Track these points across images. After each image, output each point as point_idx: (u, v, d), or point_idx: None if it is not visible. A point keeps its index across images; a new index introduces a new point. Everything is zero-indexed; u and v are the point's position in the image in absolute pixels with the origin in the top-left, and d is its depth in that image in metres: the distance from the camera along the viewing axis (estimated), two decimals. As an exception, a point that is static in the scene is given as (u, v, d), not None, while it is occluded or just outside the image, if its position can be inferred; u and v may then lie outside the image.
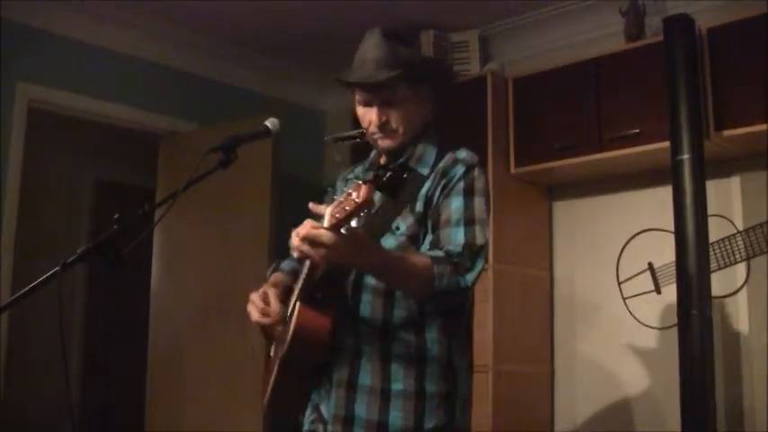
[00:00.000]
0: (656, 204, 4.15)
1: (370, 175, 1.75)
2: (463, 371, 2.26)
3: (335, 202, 1.85)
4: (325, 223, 1.86)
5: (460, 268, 2.09)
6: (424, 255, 2.08)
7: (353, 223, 1.83)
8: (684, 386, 3.38)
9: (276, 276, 2.42)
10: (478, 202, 2.21)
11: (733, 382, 3.82)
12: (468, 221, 2.16)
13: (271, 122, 2.39)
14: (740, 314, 3.89)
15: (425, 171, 2.27)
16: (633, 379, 4.18)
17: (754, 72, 3.57)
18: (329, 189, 2.61)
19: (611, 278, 4.35)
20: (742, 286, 3.89)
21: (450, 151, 2.31)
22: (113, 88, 4.92)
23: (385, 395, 2.15)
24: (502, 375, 4.11)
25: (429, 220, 2.20)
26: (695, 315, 3.38)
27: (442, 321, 2.21)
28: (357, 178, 2.45)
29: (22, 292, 1.97)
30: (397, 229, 2.20)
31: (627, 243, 4.32)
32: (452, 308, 2.21)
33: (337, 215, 1.82)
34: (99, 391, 6.25)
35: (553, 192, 4.71)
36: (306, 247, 1.87)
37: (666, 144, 3.63)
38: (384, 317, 2.19)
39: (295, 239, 1.91)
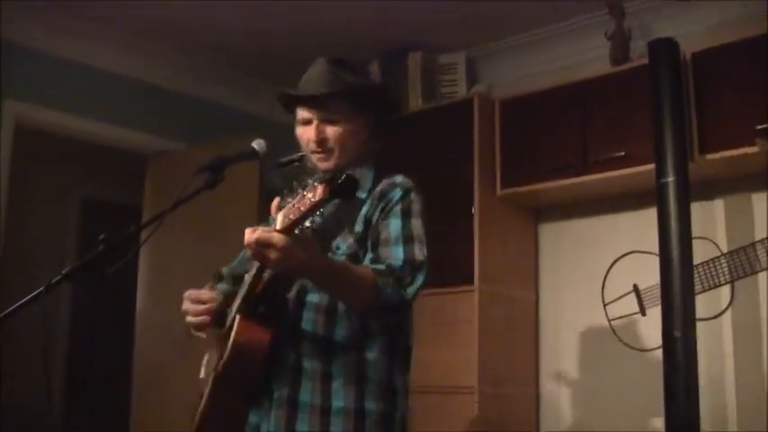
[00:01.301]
0: (641, 226, 4.16)
1: (322, 177, 1.78)
2: (402, 391, 2.30)
3: (288, 205, 1.86)
4: (278, 225, 1.87)
5: (402, 281, 2.14)
6: (367, 267, 2.14)
7: (308, 224, 1.84)
8: (669, 408, 3.38)
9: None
10: (416, 222, 2.27)
11: (718, 404, 3.83)
12: (407, 239, 2.21)
13: (257, 144, 2.41)
14: (724, 336, 3.90)
15: (363, 195, 2.32)
16: (618, 401, 4.18)
17: (737, 96, 3.61)
18: (261, 222, 2.68)
19: (596, 300, 4.36)
20: (726, 308, 3.91)
21: (387, 176, 2.36)
22: (101, 107, 4.92)
23: (325, 412, 2.17)
24: (487, 397, 4.10)
25: (369, 240, 2.25)
26: (679, 337, 3.39)
27: (384, 341, 2.26)
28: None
29: (6, 312, 1.97)
30: (338, 248, 2.24)
31: (612, 265, 4.33)
32: (393, 321, 2.26)
33: (291, 216, 1.83)
34: (83, 410, 6.23)
35: (539, 214, 4.72)
36: (257, 250, 1.89)
37: (651, 167, 3.65)
38: (326, 334, 2.21)
39: (248, 241, 1.92)
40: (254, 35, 4.90)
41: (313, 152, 2.35)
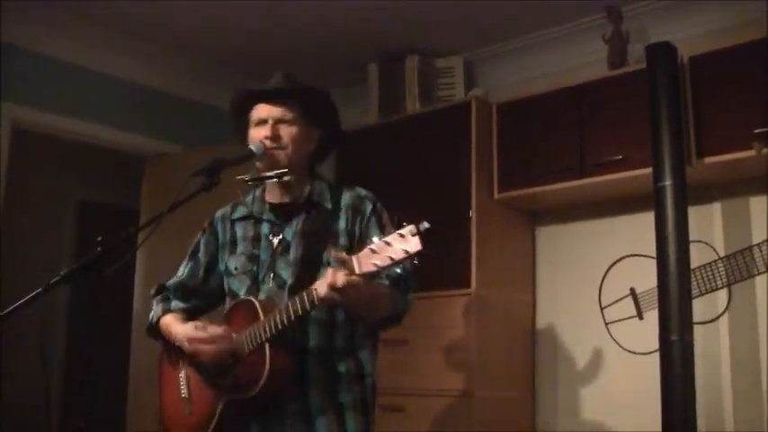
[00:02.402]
0: (638, 230, 4.17)
1: (412, 228, 1.90)
2: (376, 387, 2.56)
3: (367, 250, 1.97)
4: (359, 269, 2.00)
5: (406, 289, 2.43)
6: (380, 284, 2.35)
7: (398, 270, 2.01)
8: (666, 411, 3.39)
9: (175, 316, 2.62)
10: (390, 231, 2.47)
11: (714, 408, 3.83)
12: None
13: (255, 146, 2.44)
14: (721, 340, 3.90)
15: (328, 206, 2.52)
16: (615, 405, 4.18)
17: (734, 100, 3.61)
18: (204, 234, 2.79)
19: (593, 303, 4.36)
20: (723, 312, 3.91)
21: (343, 189, 2.58)
22: (99, 110, 4.92)
23: (339, 410, 2.40)
24: (483, 400, 4.09)
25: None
26: (676, 341, 3.39)
27: (369, 343, 2.54)
28: (246, 218, 2.64)
29: (4, 312, 1.97)
30: (328, 262, 2.40)
31: (609, 268, 4.34)
32: (391, 327, 2.51)
33: (378, 263, 1.94)
34: (81, 410, 6.20)
35: (536, 217, 4.72)
36: (341, 291, 2.06)
37: (649, 170, 3.65)
38: (328, 344, 2.42)
39: (335, 284, 2.06)
40: (252, 38, 4.90)
41: (268, 148, 2.48)
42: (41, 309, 1.93)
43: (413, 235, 1.85)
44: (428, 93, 4.87)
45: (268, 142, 2.47)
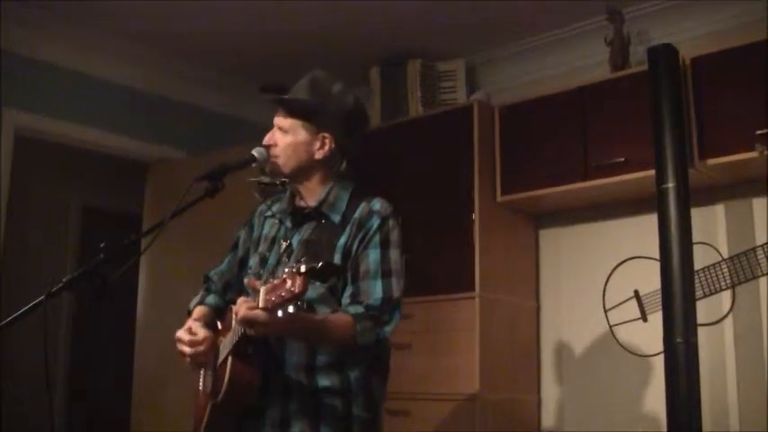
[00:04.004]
0: (641, 232, 4.16)
1: (304, 267, 1.84)
2: (382, 401, 2.45)
3: (270, 285, 1.94)
4: (261, 303, 1.96)
5: (380, 322, 2.29)
6: (347, 313, 2.25)
7: (291, 309, 1.89)
8: (671, 413, 3.38)
9: (200, 310, 2.58)
10: (394, 254, 2.39)
11: (719, 409, 3.83)
12: (385, 274, 2.34)
13: (257, 151, 2.45)
14: (726, 341, 3.89)
15: (337, 218, 2.43)
16: (620, 407, 4.18)
17: (737, 101, 3.60)
18: (245, 226, 2.75)
19: (597, 306, 4.36)
20: (727, 314, 3.90)
21: (364, 200, 2.46)
22: (101, 116, 4.92)
23: (316, 421, 2.30)
24: (488, 404, 4.09)
25: (348, 272, 2.35)
26: (681, 343, 3.38)
27: (366, 368, 2.38)
28: (273, 216, 2.61)
29: (7, 320, 1.97)
30: None
31: (613, 271, 4.33)
32: (370, 354, 2.37)
33: (273, 299, 1.90)
34: (84, 419, 6.21)
35: (539, 220, 4.72)
36: (245, 327, 2.06)
37: (651, 172, 3.64)
38: (308, 361, 2.32)
39: (236, 314, 2.07)
40: (254, 42, 4.90)
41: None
42: (45, 315, 1.93)
43: (299, 275, 1.83)
44: (430, 96, 4.87)
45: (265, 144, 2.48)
